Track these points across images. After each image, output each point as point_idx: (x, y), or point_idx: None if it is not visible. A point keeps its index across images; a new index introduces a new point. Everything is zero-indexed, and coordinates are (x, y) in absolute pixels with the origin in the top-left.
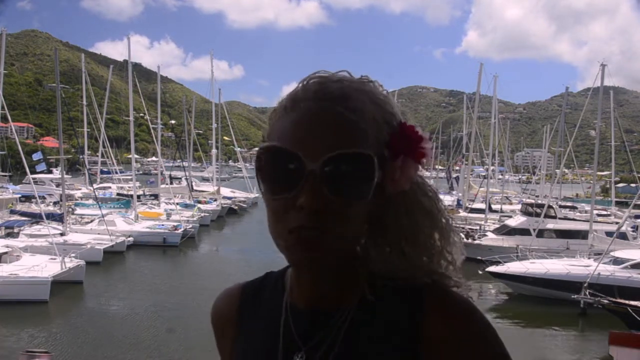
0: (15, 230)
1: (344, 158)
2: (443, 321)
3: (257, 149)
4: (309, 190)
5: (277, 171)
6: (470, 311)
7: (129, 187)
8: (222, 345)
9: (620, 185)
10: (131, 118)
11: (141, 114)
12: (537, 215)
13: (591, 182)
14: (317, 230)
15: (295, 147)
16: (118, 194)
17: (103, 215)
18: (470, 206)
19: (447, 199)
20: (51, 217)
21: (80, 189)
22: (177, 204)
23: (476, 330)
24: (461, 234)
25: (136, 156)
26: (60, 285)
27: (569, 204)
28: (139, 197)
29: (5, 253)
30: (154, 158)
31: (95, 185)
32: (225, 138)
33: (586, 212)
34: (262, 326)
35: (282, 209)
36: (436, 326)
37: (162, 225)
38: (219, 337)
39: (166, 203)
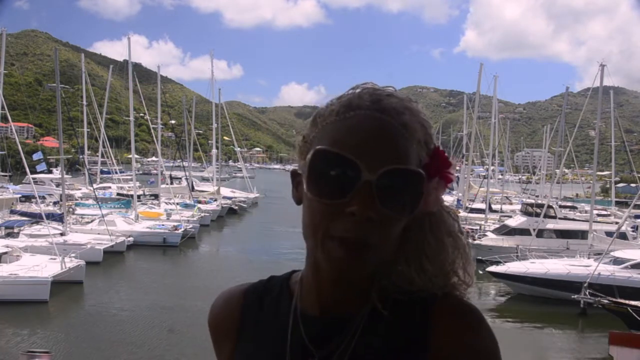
0: (15, 230)
1: (399, 173)
2: (451, 332)
3: (299, 142)
4: (362, 199)
5: (330, 175)
6: (479, 323)
7: (129, 187)
8: (221, 350)
9: (620, 185)
10: (131, 118)
11: (141, 114)
12: (537, 215)
13: (591, 182)
14: (362, 242)
15: (353, 155)
16: (118, 194)
17: (103, 215)
18: (470, 206)
19: (447, 199)
20: (51, 217)
21: (80, 189)
22: (177, 204)
23: (482, 343)
24: None
25: (136, 156)
26: (60, 285)
27: (569, 204)
28: (139, 197)
29: (5, 253)
30: (154, 158)
31: (95, 185)
32: (225, 138)
33: (586, 212)
34: (267, 331)
35: (327, 213)
36: (444, 337)
37: (162, 225)
38: (217, 341)
39: (166, 203)
